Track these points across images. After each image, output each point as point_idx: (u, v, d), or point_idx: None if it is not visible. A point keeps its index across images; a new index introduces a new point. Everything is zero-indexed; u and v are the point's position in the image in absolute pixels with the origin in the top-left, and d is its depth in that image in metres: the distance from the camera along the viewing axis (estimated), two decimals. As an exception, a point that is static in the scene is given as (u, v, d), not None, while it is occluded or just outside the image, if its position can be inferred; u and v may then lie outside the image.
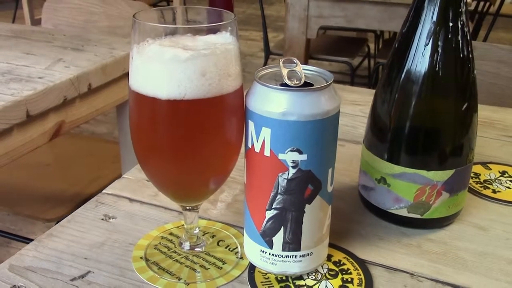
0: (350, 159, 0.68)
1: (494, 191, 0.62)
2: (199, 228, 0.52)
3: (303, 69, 0.45)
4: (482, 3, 2.69)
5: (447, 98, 0.51)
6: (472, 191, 0.62)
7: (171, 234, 0.53)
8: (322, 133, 0.42)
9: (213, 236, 0.53)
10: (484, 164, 0.68)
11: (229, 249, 0.51)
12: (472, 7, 2.80)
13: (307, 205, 0.44)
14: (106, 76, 1.05)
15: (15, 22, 4.00)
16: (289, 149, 0.42)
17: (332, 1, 2.16)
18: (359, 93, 0.93)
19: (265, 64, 2.87)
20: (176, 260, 0.49)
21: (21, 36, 1.21)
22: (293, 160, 0.42)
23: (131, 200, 0.59)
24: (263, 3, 2.72)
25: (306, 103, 0.41)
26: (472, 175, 0.65)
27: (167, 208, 0.57)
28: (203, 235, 0.53)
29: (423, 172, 0.51)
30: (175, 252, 0.50)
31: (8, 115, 0.84)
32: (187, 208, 0.48)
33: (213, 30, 0.42)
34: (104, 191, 0.61)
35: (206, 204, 0.58)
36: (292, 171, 0.42)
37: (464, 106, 0.51)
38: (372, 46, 3.25)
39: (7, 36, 1.21)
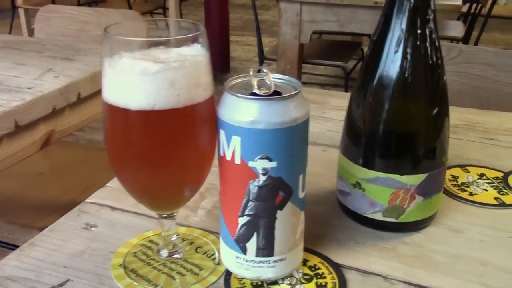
0: (331, 164, 0.69)
1: (471, 194, 0.63)
2: (177, 235, 0.53)
3: (274, 78, 0.46)
4: (474, 5, 2.71)
5: (418, 103, 0.52)
6: (449, 193, 0.63)
7: (150, 241, 0.54)
8: (291, 140, 0.43)
9: (191, 243, 0.54)
10: (463, 167, 0.69)
11: (206, 256, 0.52)
12: (464, 9, 2.82)
13: (278, 211, 0.45)
14: (95, 85, 1.06)
15: (12, 31, 4.03)
16: (258, 157, 0.43)
17: (325, 6, 2.17)
18: (344, 97, 0.94)
19: (260, 69, 2.88)
20: (154, 267, 0.50)
21: (12, 46, 1.23)
22: (263, 168, 0.43)
23: (113, 208, 0.60)
24: (260, 9, 2.74)
25: (274, 111, 0.42)
26: (450, 177, 0.66)
27: (148, 216, 0.58)
28: (182, 242, 0.53)
29: (396, 176, 0.52)
30: (153, 259, 0.51)
31: (-3, 126, 0.85)
32: (163, 216, 0.49)
33: (185, 43, 0.43)
34: (87, 200, 0.62)
35: (186, 211, 0.59)
36: (262, 178, 0.43)
37: (435, 111, 0.52)
38: (366, 49, 3.26)
39: (-2, 47, 1.22)
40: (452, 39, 2.62)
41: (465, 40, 2.66)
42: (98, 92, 1.09)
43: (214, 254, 0.52)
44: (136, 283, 0.48)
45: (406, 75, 0.50)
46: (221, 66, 3.87)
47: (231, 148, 0.43)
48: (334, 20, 2.18)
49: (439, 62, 0.51)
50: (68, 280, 0.49)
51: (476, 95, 1.17)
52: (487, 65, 1.21)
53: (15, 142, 0.91)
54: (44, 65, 1.08)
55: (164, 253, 0.51)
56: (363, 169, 0.53)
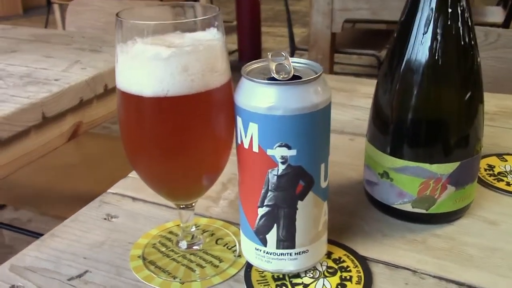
0: (358, 153, 0.66)
1: (508, 184, 0.59)
2: (196, 226, 0.51)
3: (293, 62, 0.43)
4: (515, -11, 2.60)
5: (448, 88, 0.49)
6: (484, 183, 0.59)
7: (170, 232, 0.53)
8: (311, 127, 0.41)
9: (212, 234, 0.52)
10: (500, 155, 0.66)
11: (227, 247, 0.50)
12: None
13: (299, 202, 0.43)
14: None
15: (48, 26, 4.10)
16: (277, 145, 0.41)
17: (357, -7, 2.12)
18: (374, 85, 0.91)
19: (291, 59, 2.85)
20: (173, 259, 0.49)
21: (42, 40, 1.24)
22: (282, 156, 0.41)
23: (134, 199, 0.59)
24: (291, -1, 2.71)
25: (292, 96, 0.40)
26: (485, 167, 0.63)
27: (169, 206, 0.57)
28: (202, 233, 0.52)
29: (426, 165, 0.49)
30: (172, 251, 0.50)
31: (25, 118, 0.85)
32: (182, 206, 0.47)
33: (200, 26, 0.42)
34: (108, 190, 0.61)
35: (208, 201, 0.58)
36: (281, 167, 0.41)
37: (467, 95, 0.49)
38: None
39: (29, 40, 1.23)
40: (492, 25, 2.53)
41: (505, 26, 2.56)
42: (125, 83, 1.09)
43: (235, 246, 0.50)
44: (154, 275, 0.47)
45: (436, 58, 0.47)
46: (253, 57, 3.85)
47: (249, 135, 0.41)
48: (366, 7, 2.12)
49: (472, 43, 0.48)
50: (86, 271, 0.48)
51: (515, 81, 1.11)
52: (527, 49, 1.16)
53: (43, 134, 0.91)
54: (71, 57, 1.09)
55: (183, 244, 0.50)
56: (391, 158, 0.51)
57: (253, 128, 0.41)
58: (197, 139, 0.42)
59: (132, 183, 0.62)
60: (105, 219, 0.56)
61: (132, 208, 0.58)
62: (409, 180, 0.51)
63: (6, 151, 0.85)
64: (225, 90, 0.42)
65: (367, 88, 0.90)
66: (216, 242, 0.51)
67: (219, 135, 0.43)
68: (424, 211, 0.52)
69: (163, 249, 0.50)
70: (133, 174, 0.64)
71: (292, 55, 2.68)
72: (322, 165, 0.43)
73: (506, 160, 0.64)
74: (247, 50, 3.92)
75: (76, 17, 1.66)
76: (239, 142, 0.43)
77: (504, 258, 0.48)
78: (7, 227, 1.74)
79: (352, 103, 0.84)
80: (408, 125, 0.50)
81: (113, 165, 1.47)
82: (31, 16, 5.59)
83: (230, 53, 3.69)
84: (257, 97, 0.40)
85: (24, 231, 1.58)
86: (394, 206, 0.53)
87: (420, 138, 0.50)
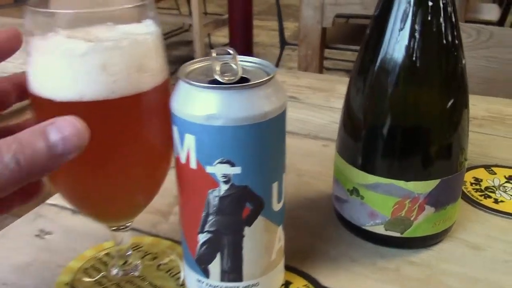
0: (331, 162, 0.60)
1: (496, 201, 0.53)
2: (136, 247, 0.45)
3: (243, 61, 0.37)
4: (510, -14, 2.54)
5: (428, 92, 0.42)
6: (469, 200, 0.53)
7: (107, 255, 0.46)
8: (259, 140, 0.34)
9: (154, 258, 0.45)
10: (488, 167, 0.59)
11: (170, 274, 0.43)
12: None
13: (246, 228, 0.36)
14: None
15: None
16: (218, 161, 0.34)
17: (349, -13, 2.05)
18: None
19: (280, 55, 2.78)
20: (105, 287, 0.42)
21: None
22: (223, 174, 0.34)
23: (74, 212, 0.52)
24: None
25: (236, 103, 0.33)
26: (472, 180, 0.56)
27: (112, 222, 0.50)
28: (144, 256, 0.45)
29: (401, 183, 0.43)
30: (106, 277, 0.43)
31: None
32: (113, 228, 0.40)
33: (131, 17, 0.35)
34: (47, 201, 0.54)
35: (155, 217, 0.51)
36: (224, 187, 0.35)
37: (450, 102, 0.42)
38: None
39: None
40: (487, 23, 2.46)
41: (500, 23, 2.50)
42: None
43: (179, 272, 0.44)
44: (80, 308, 0.40)
45: (414, 58, 0.41)
46: (244, 51, 3.77)
47: (185, 149, 0.34)
48: (358, 2, 2.05)
49: (456, 42, 0.41)
50: (2, 301, 0.41)
51: (509, 83, 1.05)
52: (521, 49, 1.09)
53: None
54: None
55: (117, 270, 0.43)
56: (361, 173, 0.44)
57: (190, 140, 0.34)
58: (123, 153, 0.35)
59: (75, 193, 0.55)
60: (37, 235, 0.49)
61: (70, 223, 0.51)
62: (381, 199, 0.44)
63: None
64: (159, 93, 0.35)
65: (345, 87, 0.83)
66: (158, 268, 0.44)
67: (151, 148, 0.36)
68: (398, 235, 0.45)
69: (96, 275, 0.43)
70: (78, 183, 0.57)
71: (281, 50, 2.59)
72: (274, 185, 0.36)
73: (495, 173, 0.58)
74: (238, 44, 3.84)
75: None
76: (176, 155, 0.36)
77: (489, 292, 0.42)
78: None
79: (330, 105, 0.77)
80: (380, 135, 0.43)
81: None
82: (22, 5, 5.47)
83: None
84: (194, 103, 0.33)
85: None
86: (365, 227, 0.46)
87: (394, 151, 0.43)
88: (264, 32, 4.44)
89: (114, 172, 0.35)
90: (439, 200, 0.44)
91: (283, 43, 2.57)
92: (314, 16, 2.18)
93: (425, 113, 0.42)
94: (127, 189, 0.37)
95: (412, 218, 0.44)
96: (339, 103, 0.76)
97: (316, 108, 0.76)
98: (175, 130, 0.35)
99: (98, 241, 0.48)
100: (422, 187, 0.43)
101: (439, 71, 0.41)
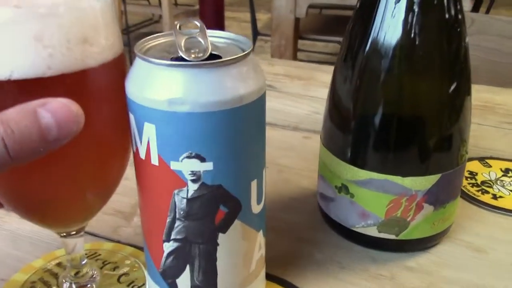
0: (315, 155, 0.54)
1: (494, 197, 0.48)
2: (93, 255, 0.39)
3: (212, 36, 0.31)
4: (483, -23, 2.53)
5: (428, 76, 0.37)
6: (466, 196, 0.48)
7: (58, 265, 0.39)
8: (233, 130, 0.28)
9: (115, 268, 0.39)
10: (482, 160, 0.54)
11: (132, 287, 0.37)
12: (473, -18, 2.63)
13: (220, 235, 0.30)
14: None
15: None
16: (184, 155, 0.28)
17: (323, -24, 2.01)
18: (337, 73, 0.79)
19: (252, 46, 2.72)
20: (55, 306, 0.36)
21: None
22: (192, 172, 0.28)
23: (21, 216, 0.45)
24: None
25: (206, 85, 0.27)
26: (467, 174, 0.51)
27: (65, 227, 0.44)
28: (102, 266, 0.39)
29: (397, 179, 0.37)
30: (55, 293, 0.37)
31: None
32: (62, 234, 0.34)
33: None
34: (-9, 203, 0.47)
35: (117, 219, 0.45)
36: (192, 187, 0.29)
37: (452, 87, 0.37)
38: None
39: None
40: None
41: (473, 14, 2.49)
42: None
43: (143, 285, 0.37)
44: (23, 332, 0.34)
45: (412, 36, 0.35)
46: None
47: (145, 141, 0.28)
48: (333, -8, 2.01)
49: (460, 17, 0.36)
50: None
51: (492, 71, 1.01)
52: (503, 37, 1.06)
53: None
54: None
55: (70, 283, 0.36)
56: (351, 168, 0.39)
57: (150, 130, 0.28)
58: (66, 146, 0.28)
59: (24, 194, 0.48)
60: (-23, 244, 0.42)
61: (16, 229, 0.44)
62: (374, 197, 0.38)
63: None
64: (111, 73, 0.29)
65: (328, 76, 0.77)
66: (119, 280, 0.38)
67: (101, 140, 0.30)
68: (393, 237, 0.40)
69: (44, 290, 0.37)
70: (28, 182, 0.50)
71: (254, 41, 2.53)
72: (253, 183, 0.30)
73: (490, 166, 0.53)
74: (210, 35, 3.76)
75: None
76: (134, 150, 0.30)
77: (496, 301, 0.37)
78: None
79: (310, 93, 0.71)
80: (373, 124, 0.38)
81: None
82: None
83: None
84: (154, 85, 0.27)
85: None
86: (355, 229, 0.40)
87: (389, 142, 0.38)
88: (236, 23, 4.37)
89: (56, 170, 0.29)
90: (439, 198, 0.39)
91: (256, 33, 2.50)
92: (286, 6, 2.12)
93: (425, 100, 0.37)
94: (73, 190, 0.31)
95: (408, 219, 0.39)
96: (320, 92, 0.71)
97: (295, 97, 0.70)
98: (132, 118, 0.29)
99: (49, 248, 0.42)
100: (421, 183, 0.37)
101: (441, 51, 0.36)
